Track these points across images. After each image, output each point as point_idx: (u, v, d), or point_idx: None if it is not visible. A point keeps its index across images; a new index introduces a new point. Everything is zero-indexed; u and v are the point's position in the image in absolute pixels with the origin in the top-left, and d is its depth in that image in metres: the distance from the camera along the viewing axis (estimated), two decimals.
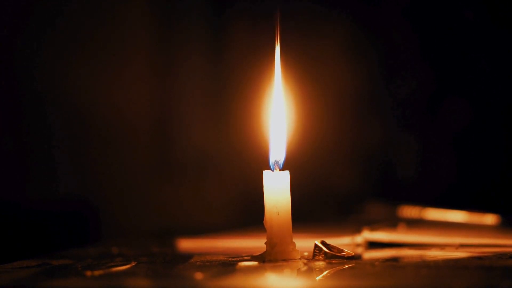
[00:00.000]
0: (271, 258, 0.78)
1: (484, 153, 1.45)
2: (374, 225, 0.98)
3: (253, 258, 0.79)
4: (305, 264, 0.75)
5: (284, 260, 0.78)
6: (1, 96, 1.39)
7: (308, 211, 1.41)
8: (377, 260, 0.79)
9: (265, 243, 0.78)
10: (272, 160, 0.80)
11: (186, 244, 0.97)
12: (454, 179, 1.45)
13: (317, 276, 0.70)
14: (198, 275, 0.70)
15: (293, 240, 0.79)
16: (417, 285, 0.65)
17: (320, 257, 0.78)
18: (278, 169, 0.79)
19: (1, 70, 1.39)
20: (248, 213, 1.42)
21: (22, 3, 1.40)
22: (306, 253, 0.80)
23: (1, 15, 1.38)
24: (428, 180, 1.47)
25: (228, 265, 0.76)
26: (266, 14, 0.82)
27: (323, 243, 0.79)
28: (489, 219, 1.16)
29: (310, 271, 0.72)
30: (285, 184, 0.79)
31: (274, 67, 0.81)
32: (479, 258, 0.78)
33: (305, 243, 0.82)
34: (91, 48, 1.44)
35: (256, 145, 0.94)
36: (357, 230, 0.94)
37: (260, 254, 0.78)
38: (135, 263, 0.78)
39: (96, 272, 0.72)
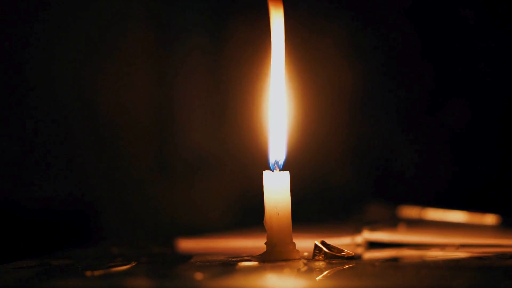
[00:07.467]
0: (271, 258, 0.78)
1: (484, 153, 1.45)
2: (374, 225, 0.98)
3: (253, 258, 0.78)
4: (305, 264, 0.75)
5: (284, 260, 0.78)
6: (1, 96, 1.38)
7: (308, 211, 1.41)
8: (377, 260, 0.79)
9: (265, 243, 0.78)
10: (272, 160, 0.80)
11: (186, 244, 0.97)
12: (454, 179, 1.45)
13: (317, 276, 0.69)
14: (198, 275, 0.70)
15: (293, 240, 0.79)
16: (417, 285, 0.65)
17: (320, 257, 0.78)
18: (278, 170, 0.79)
19: None
20: (248, 213, 1.42)
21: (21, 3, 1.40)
22: (306, 253, 0.80)
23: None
24: (428, 180, 1.47)
25: (228, 265, 0.76)
26: (266, 12, 0.82)
27: (323, 243, 0.79)
28: (489, 219, 1.16)
29: (310, 271, 0.72)
30: (285, 184, 0.79)
31: (274, 67, 0.81)
32: (479, 258, 0.78)
33: (305, 243, 0.82)
34: (90, 47, 1.44)
35: (256, 145, 0.94)
36: (357, 230, 0.94)
37: (260, 254, 0.78)
38: (135, 263, 0.78)
39: (96, 272, 0.72)
